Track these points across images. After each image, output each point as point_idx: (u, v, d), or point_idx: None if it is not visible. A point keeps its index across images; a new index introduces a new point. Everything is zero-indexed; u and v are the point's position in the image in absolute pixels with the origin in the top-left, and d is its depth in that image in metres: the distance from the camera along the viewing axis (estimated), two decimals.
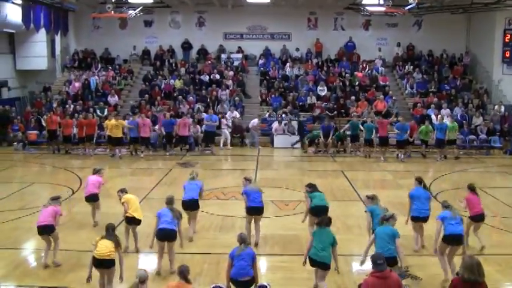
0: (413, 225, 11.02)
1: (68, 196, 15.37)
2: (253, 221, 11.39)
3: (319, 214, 10.52)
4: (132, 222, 10.70)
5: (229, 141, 24.40)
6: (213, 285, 8.78)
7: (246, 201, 11.34)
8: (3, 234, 11.98)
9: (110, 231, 8.91)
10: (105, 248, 8.58)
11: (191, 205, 11.69)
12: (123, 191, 11.19)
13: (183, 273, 7.69)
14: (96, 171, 12.96)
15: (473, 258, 7.25)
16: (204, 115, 24.23)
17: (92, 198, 12.58)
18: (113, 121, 21.52)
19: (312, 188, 11.48)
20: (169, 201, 10.23)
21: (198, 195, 11.84)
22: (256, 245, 11.02)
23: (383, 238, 8.67)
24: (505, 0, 22.43)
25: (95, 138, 22.64)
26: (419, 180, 11.17)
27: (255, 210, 11.27)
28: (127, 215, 10.60)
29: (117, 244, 8.79)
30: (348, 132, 23.20)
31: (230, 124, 24.86)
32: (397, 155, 21.90)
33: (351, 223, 12.94)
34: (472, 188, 10.96)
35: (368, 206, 10.38)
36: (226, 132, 24.42)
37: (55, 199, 10.48)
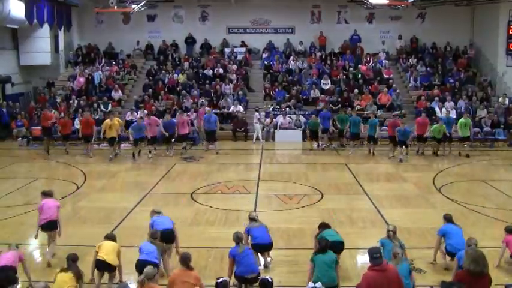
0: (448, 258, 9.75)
1: (72, 191, 15.43)
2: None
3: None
4: (103, 267, 8.94)
5: (260, 135, 24.43)
6: (221, 279, 8.77)
7: (249, 240, 9.85)
8: (8, 229, 12.04)
9: (69, 262, 8.26)
10: (63, 284, 7.83)
11: (167, 236, 9.85)
12: (104, 237, 9.50)
13: (185, 261, 7.89)
14: (47, 194, 10.79)
15: (477, 250, 7.28)
16: (204, 115, 22.67)
17: (51, 226, 10.29)
18: (107, 121, 20.52)
19: (321, 228, 9.90)
20: (154, 236, 9.26)
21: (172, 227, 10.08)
22: (265, 267, 9.93)
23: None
24: None
25: (93, 138, 21.44)
26: (448, 218, 10.04)
27: (264, 247, 9.92)
28: (97, 257, 8.90)
29: (78, 276, 8.06)
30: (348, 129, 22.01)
31: (262, 119, 24.92)
32: (400, 158, 19.84)
33: (355, 216, 12.96)
34: (510, 230, 9.92)
35: (381, 238, 9.33)
36: (258, 126, 24.51)
37: (15, 247, 9.17)
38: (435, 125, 20.98)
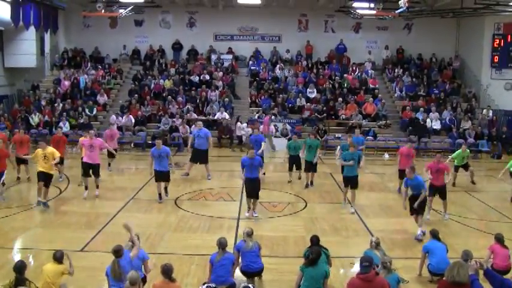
0: (431, 278, 9.69)
1: (55, 195, 15.27)
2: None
3: None
4: None
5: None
6: (206, 284, 8.70)
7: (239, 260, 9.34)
8: None
9: (16, 276, 7.65)
10: None
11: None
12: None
13: (167, 273, 7.68)
14: None
15: (458, 261, 7.35)
16: (194, 131, 20.00)
17: None
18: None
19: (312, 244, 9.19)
20: (116, 253, 8.22)
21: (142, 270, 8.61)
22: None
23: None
24: (494, 6, 22.56)
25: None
26: (434, 234, 9.91)
27: (254, 275, 9.40)
28: None
29: None
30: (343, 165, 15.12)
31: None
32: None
33: (339, 225, 12.96)
34: (499, 239, 9.82)
35: (366, 250, 9.21)
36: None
37: None
38: (458, 151, 17.98)
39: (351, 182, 14.54)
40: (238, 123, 24.78)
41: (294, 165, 17.74)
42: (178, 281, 8.10)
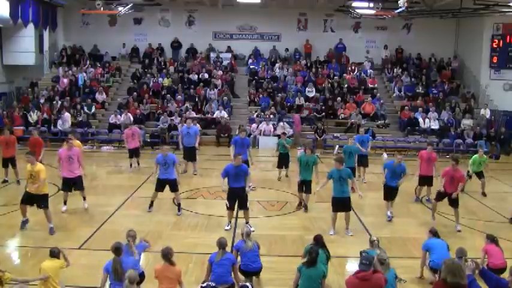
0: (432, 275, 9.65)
1: (54, 193, 15.24)
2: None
3: None
4: None
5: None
6: (206, 283, 8.68)
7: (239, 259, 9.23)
8: None
9: None
10: None
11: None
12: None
13: (167, 256, 7.87)
14: None
15: (455, 261, 7.32)
16: (183, 128, 19.51)
17: None
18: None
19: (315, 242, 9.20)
20: (116, 250, 8.11)
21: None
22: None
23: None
24: (493, 6, 22.57)
25: None
26: (434, 232, 9.88)
27: (252, 274, 9.32)
28: None
29: None
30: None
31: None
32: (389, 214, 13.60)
33: (337, 225, 12.89)
34: (492, 239, 9.75)
35: (369, 249, 9.04)
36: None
37: None
38: (475, 156, 17.12)
39: (342, 204, 12.50)
40: (281, 122, 24.77)
41: (283, 164, 18.08)
42: (178, 266, 8.17)
